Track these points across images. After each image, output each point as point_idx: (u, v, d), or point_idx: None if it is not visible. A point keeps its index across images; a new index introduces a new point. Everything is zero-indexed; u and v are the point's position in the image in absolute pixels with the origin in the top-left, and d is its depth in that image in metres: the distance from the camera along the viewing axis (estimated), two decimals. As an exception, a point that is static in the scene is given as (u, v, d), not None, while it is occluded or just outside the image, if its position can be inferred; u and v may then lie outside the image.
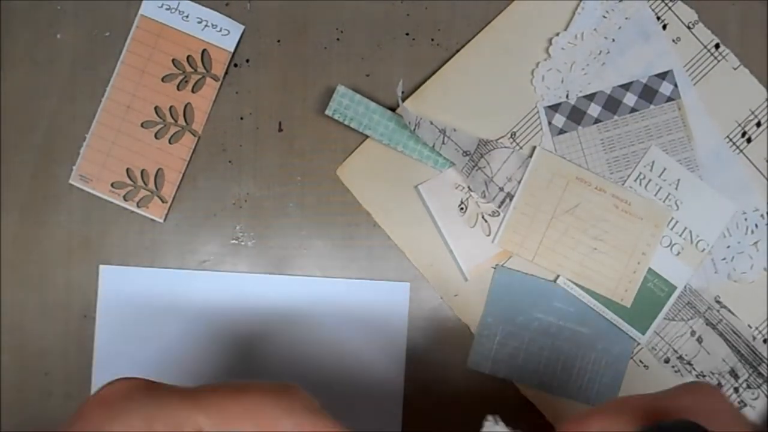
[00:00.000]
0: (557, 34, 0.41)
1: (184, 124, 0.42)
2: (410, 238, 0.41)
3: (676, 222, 0.41)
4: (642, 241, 0.41)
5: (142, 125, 0.42)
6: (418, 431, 0.41)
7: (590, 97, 0.41)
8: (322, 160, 0.42)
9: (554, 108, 0.41)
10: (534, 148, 0.41)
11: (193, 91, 0.42)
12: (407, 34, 0.42)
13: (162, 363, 0.41)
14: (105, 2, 0.42)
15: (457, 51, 0.42)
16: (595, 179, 0.41)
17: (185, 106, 0.42)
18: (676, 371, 0.41)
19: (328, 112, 0.41)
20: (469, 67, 0.41)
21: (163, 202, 0.42)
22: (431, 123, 0.40)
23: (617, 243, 0.41)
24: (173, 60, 0.42)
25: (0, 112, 0.42)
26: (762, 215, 0.41)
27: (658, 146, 0.41)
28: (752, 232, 0.41)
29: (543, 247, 0.41)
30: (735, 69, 0.42)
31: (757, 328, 0.41)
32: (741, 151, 0.42)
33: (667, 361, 0.41)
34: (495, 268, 0.41)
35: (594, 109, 0.41)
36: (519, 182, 0.41)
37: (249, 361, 0.41)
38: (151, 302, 0.41)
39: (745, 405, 0.41)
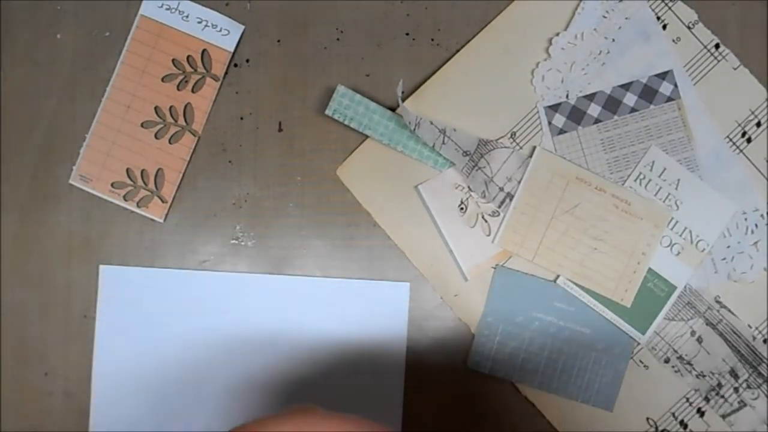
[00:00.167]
0: (557, 34, 0.41)
1: (184, 124, 0.42)
2: (410, 238, 0.41)
3: (676, 222, 0.41)
4: (642, 241, 0.41)
5: (142, 125, 0.42)
6: (418, 431, 0.41)
7: (590, 97, 0.41)
8: (322, 160, 0.42)
9: (554, 108, 0.41)
10: (534, 148, 0.41)
11: (193, 91, 0.42)
12: (407, 34, 0.42)
13: (162, 363, 0.41)
14: (105, 2, 0.42)
15: (457, 51, 0.42)
16: (595, 179, 0.41)
17: (185, 106, 0.42)
18: (676, 371, 0.41)
19: (328, 112, 0.41)
20: (469, 67, 0.41)
21: (163, 202, 0.42)
22: (431, 123, 0.40)
23: (617, 243, 0.41)
24: (173, 60, 0.42)
25: (0, 112, 0.42)
26: (762, 215, 0.41)
27: (658, 146, 0.41)
28: (752, 232, 0.41)
29: (543, 247, 0.41)
30: (735, 69, 0.42)
31: (757, 328, 0.41)
32: (741, 151, 0.42)
33: (667, 361, 0.41)
34: (495, 268, 0.41)
35: (594, 109, 0.41)
36: (519, 182, 0.41)
37: (249, 360, 0.41)
38: (151, 302, 0.41)
39: (745, 405, 0.41)
